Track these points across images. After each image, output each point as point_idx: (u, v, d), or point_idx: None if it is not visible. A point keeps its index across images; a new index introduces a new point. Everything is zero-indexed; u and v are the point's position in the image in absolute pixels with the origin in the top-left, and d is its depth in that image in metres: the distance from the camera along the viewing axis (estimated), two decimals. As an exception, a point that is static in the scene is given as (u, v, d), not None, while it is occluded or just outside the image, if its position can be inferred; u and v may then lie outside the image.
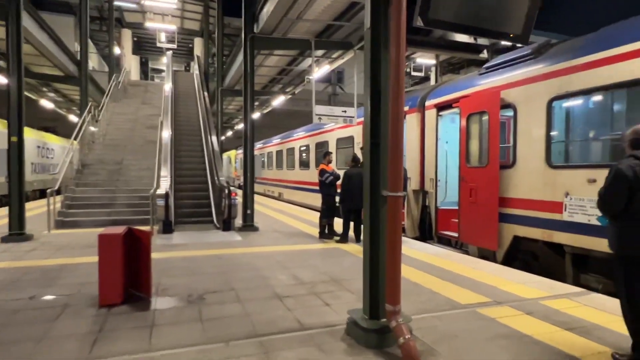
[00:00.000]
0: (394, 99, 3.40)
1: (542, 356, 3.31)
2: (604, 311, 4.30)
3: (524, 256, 6.63)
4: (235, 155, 34.24)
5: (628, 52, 4.99)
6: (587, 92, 5.57)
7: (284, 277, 5.62)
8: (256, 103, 24.94)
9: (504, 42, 9.63)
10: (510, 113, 6.80)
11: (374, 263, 3.64)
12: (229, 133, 40.27)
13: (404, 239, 8.34)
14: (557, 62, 5.94)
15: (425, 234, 9.12)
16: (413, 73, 21.70)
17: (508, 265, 6.61)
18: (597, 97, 5.66)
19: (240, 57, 15.19)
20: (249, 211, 9.88)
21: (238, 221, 10.02)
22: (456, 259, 6.81)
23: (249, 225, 9.83)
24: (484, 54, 9.06)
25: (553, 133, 6.01)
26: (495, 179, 6.85)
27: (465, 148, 7.66)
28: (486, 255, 7.21)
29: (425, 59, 18.52)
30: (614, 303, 4.49)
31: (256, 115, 26.72)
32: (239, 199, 10.20)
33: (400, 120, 3.44)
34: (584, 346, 3.47)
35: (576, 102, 5.93)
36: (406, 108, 9.40)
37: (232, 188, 9.88)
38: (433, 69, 18.44)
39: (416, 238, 9.13)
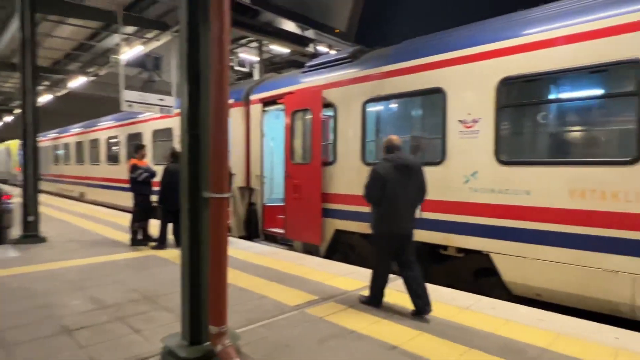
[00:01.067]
0: (217, 84, 2.89)
1: (368, 351, 3.35)
2: (411, 294, 4.76)
3: (343, 248, 7.02)
4: (18, 147, 27.42)
5: (424, 64, 5.70)
6: (394, 97, 6.20)
7: (78, 302, 4.44)
8: (46, 83, 20.36)
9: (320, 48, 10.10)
10: (331, 112, 7.09)
11: (194, 278, 3.06)
12: (8, 118, 32.07)
13: (230, 239, 7.88)
14: (370, 67, 6.43)
15: (252, 232, 8.87)
16: (237, 68, 21.32)
17: (330, 258, 6.90)
18: (402, 101, 6.35)
19: (16, 21, 11.92)
20: (30, 217, 7.74)
21: (17, 231, 7.76)
22: (282, 256, 6.74)
23: (31, 235, 7.70)
24: (310, 48, 9.32)
25: (367, 133, 6.50)
26: (318, 176, 7.05)
27: (290, 145, 7.69)
28: (311, 250, 7.39)
29: (249, 55, 18.37)
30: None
31: (46, 98, 21.85)
32: (15, 202, 7.91)
33: (224, 110, 2.96)
34: (404, 333, 3.69)
35: (385, 105, 6.55)
36: (231, 101, 8.93)
37: (1, 189, 7.56)
38: (257, 65, 18.46)
39: (243, 237, 8.79)
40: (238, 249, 7.26)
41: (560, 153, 4.84)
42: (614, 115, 4.55)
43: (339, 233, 6.89)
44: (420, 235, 5.68)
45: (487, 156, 4.99)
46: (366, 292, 4.53)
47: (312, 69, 7.63)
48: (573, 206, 4.37)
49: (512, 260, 4.82)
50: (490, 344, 3.46)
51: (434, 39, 5.88)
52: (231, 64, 19.10)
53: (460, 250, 5.39)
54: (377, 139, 6.54)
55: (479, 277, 5.33)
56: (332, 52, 9.94)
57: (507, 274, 4.89)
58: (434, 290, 4.88)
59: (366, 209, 6.27)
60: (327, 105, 7.02)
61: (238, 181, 8.82)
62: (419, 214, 5.60)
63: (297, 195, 7.45)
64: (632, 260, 4.03)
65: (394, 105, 6.57)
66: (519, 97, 5.01)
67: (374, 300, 4.38)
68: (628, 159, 4.05)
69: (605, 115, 4.68)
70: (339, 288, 5.00)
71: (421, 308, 4.02)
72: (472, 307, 4.37)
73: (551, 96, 5.03)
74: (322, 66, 7.41)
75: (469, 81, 5.19)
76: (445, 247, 5.54)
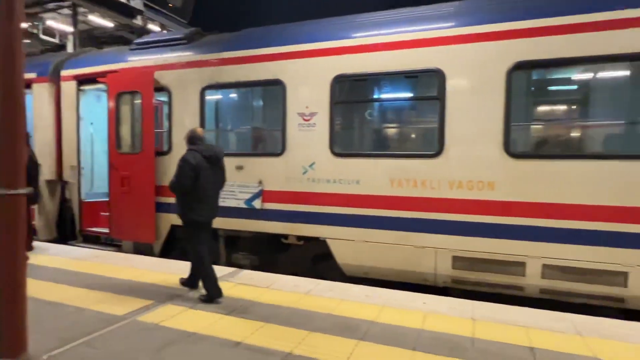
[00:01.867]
0: (5, 49, 2.24)
1: (210, 352, 3.17)
2: (255, 286, 4.74)
3: (182, 244, 6.55)
4: None
5: (265, 55, 5.69)
6: (234, 85, 6.02)
7: None
8: None
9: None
10: (165, 97, 6.46)
11: (-25, 300, 2.35)
12: None
13: (36, 244, 6.46)
14: (209, 52, 6.09)
15: (66, 233, 7.48)
16: (43, 36, 17.63)
17: (166, 256, 6.34)
18: (242, 91, 6.22)
19: None
20: None
21: None
22: (107, 259, 5.88)
23: None
24: (138, 21, 8.26)
25: (206, 121, 6.15)
26: (150, 167, 6.36)
27: (116, 131, 6.72)
28: (143, 249, 6.66)
29: (61, 24, 15.41)
30: (262, 276, 5.09)
31: None
32: None
33: (17, 85, 2.32)
34: (247, 327, 3.61)
35: (225, 94, 6.31)
36: (32, 75, 7.28)
37: None
38: (71, 37, 15.62)
39: (54, 240, 7.34)
40: (50, 255, 6.02)
41: (383, 147, 5.49)
42: (424, 115, 5.39)
43: (176, 228, 6.38)
44: (263, 226, 5.70)
45: (323, 148, 5.30)
46: (203, 291, 4.35)
47: (142, 46, 6.80)
48: (393, 193, 5.01)
49: (344, 244, 5.27)
50: (329, 324, 3.69)
51: (276, 30, 5.92)
52: (34, 30, 15.69)
53: (300, 238, 5.62)
54: (218, 128, 6.28)
55: (319, 262, 5.67)
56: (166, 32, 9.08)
57: (341, 257, 5.32)
58: (277, 279, 4.99)
59: (206, 201, 5.96)
60: (160, 89, 6.37)
61: (46, 173, 7.29)
62: (260, 205, 5.65)
63: (125, 188, 6.59)
64: (434, 237, 4.86)
65: (235, 94, 6.39)
66: (350, 94, 5.47)
67: (214, 293, 4.25)
68: (432, 152, 4.85)
69: (417, 115, 5.50)
70: (178, 288, 4.62)
71: (216, 294, 4.25)
72: (312, 291, 4.60)
73: (375, 95, 5.66)
74: (155, 45, 6.68)
75: (307, 75, 5.40)
76: (286, 236, 5.69)
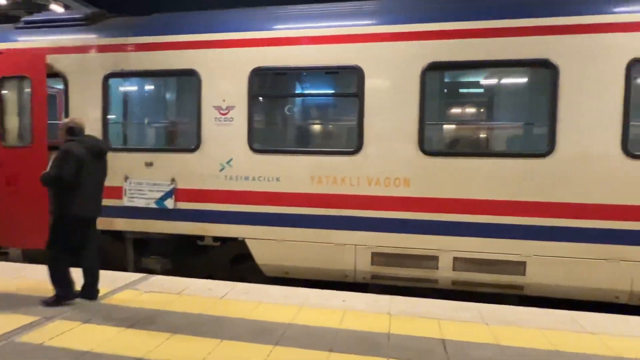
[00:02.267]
0: None
1: (104, 373, 2.80)
2: (166, 292, 4.36)
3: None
4: None
5: (178, 42, 5.27)
6: (143, 74, 5.52)
7: None
8: None
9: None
10: (61, 84, 5.72)
11: None
12: None
13: None
14: (114, 35, 5.50)
15: None
16: None
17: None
18: (153, 81, 5.72)
19: None
20: None
21: None
22: (-12, 270, 5.06)
23: None
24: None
25: (110, 113, 5.56)
26: (43, 162, 5.57)
27: (-1, 122, 5.82)
28: (36, 257, 5.85)
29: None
30: (174, 282, 4.71)
31: None
32: None
33: None
34: (151, 340, 3.27)
35: (133, 83, 5.76)
36: None
37: None
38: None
39: None
40: None
41: (303, 143, 5.38)
42: (344, 112, 5.37)
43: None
44: (176, 227, 5.30)
45: (241, 144, 5.05)
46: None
47: (31, 25, 5.95)
48: (314, 190, 4.92)
49: (264, 244, 5.07)
50: (243, 330, 3.48)
51: (192, 17, 5.52)
52: None
53: (217, 239, 5.31)
54: (124, 121, 5.72)
55: (238, 264, 5.41)
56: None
57: (260, 257, 5.12)
58: (191, 284, 4.65)
59: (115, 201, 5.40)
60: (55, 75, 5.62)
61: None
62: (172, 204, 5.23)
63: (12, 188, 5.72)
64: (354, 234, 4.86)
65: (144, 84, 5.86)
66: (269, 88, 5.28)
67: (66, 294, 3.99)
68: (352, 149, 4.84)
69: (337, 111, 5.48)
70: (71, 301, 4.08)
71: (92, 294, 4.11)
72: (227, 295, 4.35)
73: (295, 90, 5.53)
74: (49, 24, 5.87)
75: (224, 67, 5.10)
76: (202, 238, 5.35)
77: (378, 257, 4.82)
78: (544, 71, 4.47)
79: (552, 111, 4.39)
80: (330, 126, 5.50)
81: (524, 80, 5.06)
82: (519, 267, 4.53)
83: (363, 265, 4.86)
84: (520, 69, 4.69)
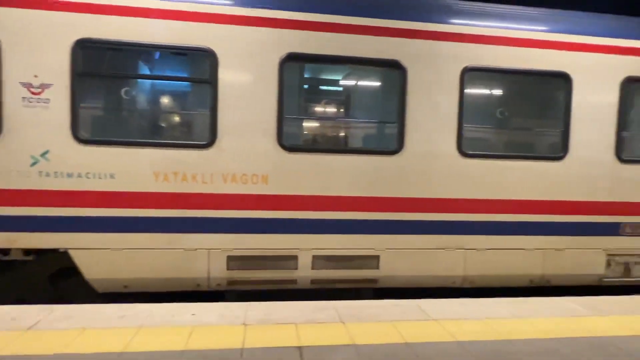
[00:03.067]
0: None
1: None
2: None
3: None
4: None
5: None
6: None
7: None
8: None
9: None
10: None
11: None
12: None
13: None
14: None
15: None
16: None
17: None
18: None
19: None
20: None
21: None
22: None
23: None
24: None
25: None
26: None
27: None
28: None
29: None
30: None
31: None
32: None
33: None
34: None
35: None
36: None
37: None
38: None
39: None
40: None
41: (146, 134, 4.63)
42: (195, 100, 4.79)
43: None
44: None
45: (62, 132, 4.06)
46: None
47: None
48: (158, 189, 4.25)
49: (95, 255, 4.20)
50: (53, 371, 2.71)
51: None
52: None
53: (29, 251, 4.20)
54: None
55: (59, 281, 4.38)
56: None
57: (90, 271, 4.22)
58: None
59: None
60: None
61: None
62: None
63: None
64: (207, 237, 4.37)
65: None
66: (102, 65, 4.37)
67: None
68: (204, 142, 4.32)
69: (187, 99, 4.86)
70: None
71: None
72: (38, 324, 3.41)
73: (135, 71, 4.72)
74: None
75: (36, 34, 4.01)
76: (6, 251, 4.16)
77: (234, 261, 4.42)
78: (395, 72, 4.66)
79: (401, 111, 4.61)
80: (179, 115, 4.86)
81: (379, 80, 5.25)
82: (374, 261, 4.67)
83: (218, 271, 4.40)
84: (375, 68, 4.82)
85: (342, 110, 5.45)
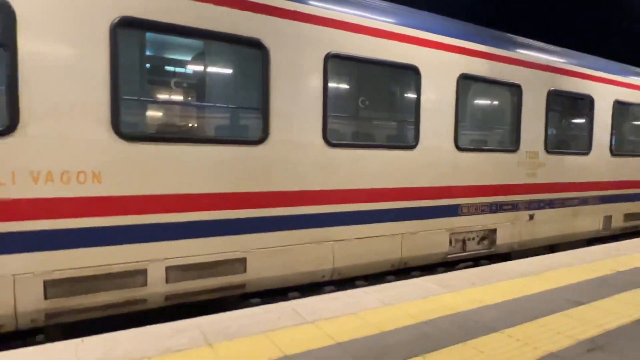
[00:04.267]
0: None
1: None
2: None
3: None
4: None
5: None
6: None
7: None
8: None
9: None
10: None
11: None
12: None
13: None
14: None
15: None
16: None
17: None
18: None
19: None
20: None
21: None
22: None
23: None
24: None
25: None
26: None
27: None
28: None
29: None
30: None
31: None
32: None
33: None
34: None
35: None
36: None
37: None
38: None
39: None
40: None
41: None
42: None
43: None
44: None
45: None
46: None
47: None
48: None
49: None
50: None
51: None
52: None
53: None
54: None
55: None
56: None
57: None
58: None
59: None
60: None
61: None
62: None
63: None
64: (11, 260, 3.19)
65: None
66: None
67: None
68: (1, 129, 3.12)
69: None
70: None
71: None
72: None
73: None
74: None
75: None
76: None
77: (55, 287, 3.35)
78: (257, 53, 4.18)
79: (265, 97, 4.18)
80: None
81: (241, 60, 4.69)
82: (240, 264, 4.16)
83: (30, 303, 3.27)
84: (235, 46, 4.24)
85: (197, 92, 4.71)
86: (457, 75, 5.49)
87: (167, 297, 3.86)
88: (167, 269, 3.80)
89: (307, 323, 3.50)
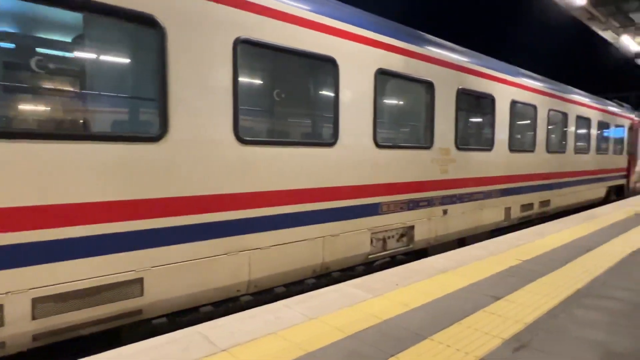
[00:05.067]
0: None
1: None
2: None
3: None
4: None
5: None
6: None
7: None
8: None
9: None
10: None
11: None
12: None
13: None
14: None
15: None
16: None
17: None
18: None
19: None
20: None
21: None
22: None
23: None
24: None
25: None
26: None
27: None
28: None
29: None
30: None
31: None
32: None
33: None
34: None
35: None
36: None
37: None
38: None
39: None
40: None
41: None
42: None
43: None
44: None
45: None
46: None
47: None
48: None
49: None
50: None
51: None
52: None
53: None
54: None
55: None
56: None
57: None
58: None
59: None
60: None
61: None
62: None
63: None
64: None
65: None
66: None
67: None
68: None
69: None
70: None
71: None
72: None
73: None
74: None
75: None
76: None
77: None
78: (150, 32, 3.49)
79: (162, 85, 3.51)
80: None
81: (131, 41, 3.91)
82: (135, 286, 3.45)
83: None
84: (122, 22, 3.47)
85: (78, 78, 3.83)
86: (374, 69, 5.32)
87: (36, 338, 3.03)
88: (34, 300, 2.97)
89: (220, 352, 2.97)
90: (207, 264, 3.86)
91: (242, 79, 4.10)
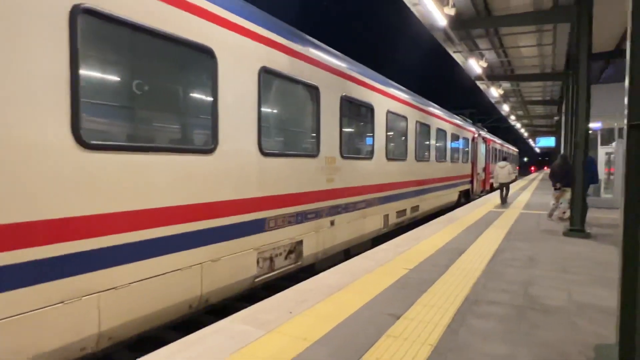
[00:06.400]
0: None
1: None
2: None
3: None
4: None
5: None
6: None
7: None
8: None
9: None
10: None
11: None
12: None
13: None
14: None
15: None
16: None
17: None
18: None
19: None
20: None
21: None
22: None
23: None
24: None
25: None
26: None
27: None
28: None
29: None
30: None
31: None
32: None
33: None
34: None
35: None
36: None
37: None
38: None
39: None
40: None
41: None
42: None
43: None
44: None
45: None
46: None
47: None
48: None
49: None
50: None
51: None
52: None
53: None
54: None
55: None
56: None
57: None
58: None
59: None
60: None
61: None
62: None
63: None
64: None
65: None
66: None
67: None
68: None
69: None
70: None
71: None
72: None
73: None
74: None
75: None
76: None
77: None
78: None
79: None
80: None
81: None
82: None
83: None
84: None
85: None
86: (258, 67, 4.69)
87: None
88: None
89: None
90: (155, 283, 3.01)
91: (85, 62, 3.04)
